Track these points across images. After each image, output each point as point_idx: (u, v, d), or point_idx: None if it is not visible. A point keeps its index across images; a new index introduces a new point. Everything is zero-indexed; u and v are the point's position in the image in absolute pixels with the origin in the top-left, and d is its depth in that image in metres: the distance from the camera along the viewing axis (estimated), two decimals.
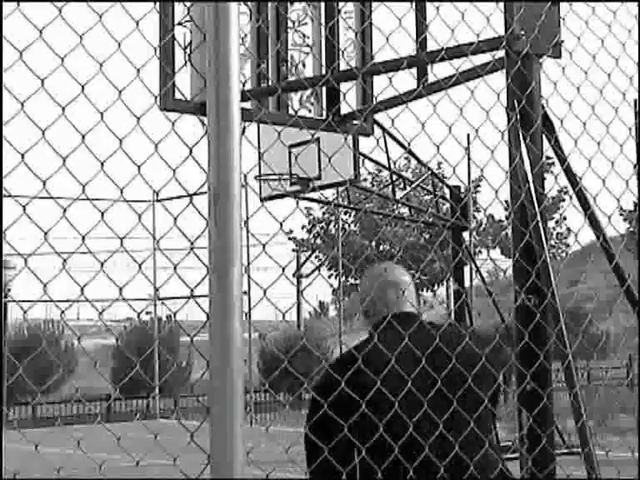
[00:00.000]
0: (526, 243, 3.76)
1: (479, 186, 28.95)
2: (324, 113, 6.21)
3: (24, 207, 1.77)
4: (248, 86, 5.89)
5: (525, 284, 3.80)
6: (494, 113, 3.10)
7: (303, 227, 32.75)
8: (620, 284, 4.11)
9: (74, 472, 3.51)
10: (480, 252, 34.22)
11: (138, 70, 1.91)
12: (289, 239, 31.24)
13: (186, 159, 1.87)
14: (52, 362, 25.28)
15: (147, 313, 25.35)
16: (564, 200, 30.82)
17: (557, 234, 36.29)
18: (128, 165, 1.88)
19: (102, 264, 1.92)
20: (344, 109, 6.13)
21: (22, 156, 1.71)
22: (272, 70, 6.01)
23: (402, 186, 14.91)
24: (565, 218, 34.47)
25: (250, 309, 18.12)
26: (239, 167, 1.67)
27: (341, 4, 6.21)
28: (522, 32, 3.84)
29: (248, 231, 16.39)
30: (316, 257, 32.10)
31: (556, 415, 3.87)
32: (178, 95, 5.48)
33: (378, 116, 7.00)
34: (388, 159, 12.26)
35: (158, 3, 5.46)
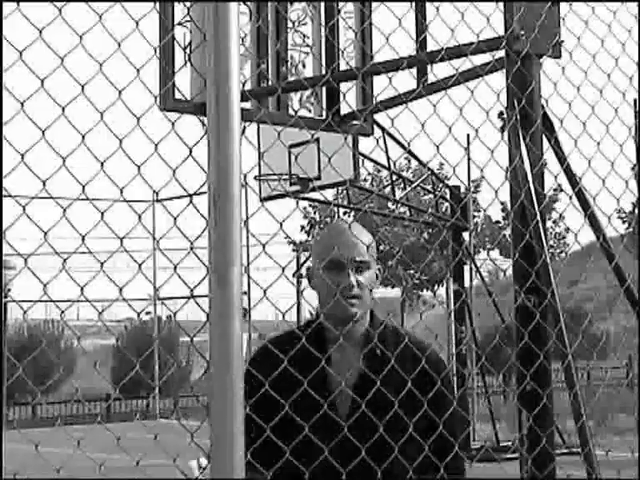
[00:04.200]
0: (526, 243, 3.76)
1: (479, 186, 28.96)
2: (324, 113, 6.21)
3: (24, 207, 1.77)
4: (248, 86, 5.89)
5: (525, 284, 3.80)
6: (494, 113, 3.10)
7: (302, 229, 32.72)
8: (620, 284, 4.11)
9: (74, 472, 3.51)
10: (479, 252, 34.23)
11: (138, 70, 1.91)
12: (288, 243, 31.21)
13: (186, 159, 1.87)
14: (52, 362, 25.29)
15: (147, 313, 25.35)
16: (556, 201, 30.82)
17: (555, 234, 36.29)
18: (128, 165, 1.88)
19: (102, 264, 1.92)
20: (344, 109, 6.13)
21: (22, 156, 1.71)
22: (272, 70, 6.01)
23: (402, 186, 14.91)
24: (562, 217, 34.48)
25: (250, 309, 18.13)
26: (239, 167, 1.67)
27: (341, 4, 6.21)
28: (522, 32, 3.84)
29: (248, 231, 16.40)
30: None
31: (556, 415, 3.87)
32: (178, 95, 5.49)
33: (378, 116, 7.01)
34: (388, 159, 12.26)
35: (158, 3, 5.45)
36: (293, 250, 31.73)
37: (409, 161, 29.74)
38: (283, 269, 2.28)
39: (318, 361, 2.47)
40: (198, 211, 1.88)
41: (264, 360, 2.51)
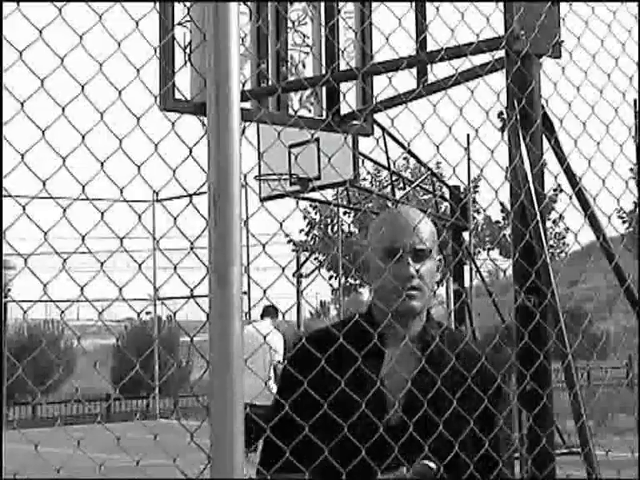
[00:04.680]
0: (526, 243, 3.76)
1: (477, 186, 28.97)
2: (324, 113, 6.21)
3: (24, 207, 1.77)
4: (248, 86, 5.89)
5: (525, 284, 3.80)
6: (494, 113, 3.09)
7: (301, 231, 32.71)
8: (620, 284, 4.11)
9: (74, 472, 3.51)
10: (479, 252, 34.23)
11: (138, 70, 1.91)
12: (288, 242, 31.19)
13: (186, 159, 1.87)
14: (52, 362, 25.31)
15: (147, 313, 25.36)
16: (555, 201, 30.84)
17: (555, 234, 36.29)
18: (128, 165, 1.88)
19: (102, 264, 1.92)
20: (344, 109, 6.13)
21: (22, 156, 1.71)
22: (272, 70, 6.01)
23: (401, 186, 14.92)
24: (562, 217, 34.49)
25: (250, 309, 18.13)
26: (239, 167, 1.67)
27: (341, 4, 6.21)
28: (522, 32, 3.84)
29: (248, 231, 16.41)
30: (315, 258, 32.09)
31: (556, 415, 3.87)
32: (178, 95, 5.49)
33: (378, 116, 7.00)
34: (388, 159, 12.26)
35: (158, 3, 5.45)
36: (293, 250, 31.71)
37: (407, 161, 29.77)
38: (283, 269, 2.27)
39: (371, 357, 2.32)
40: (198, 211, 1.88)
41: (311, 355, 2.31)
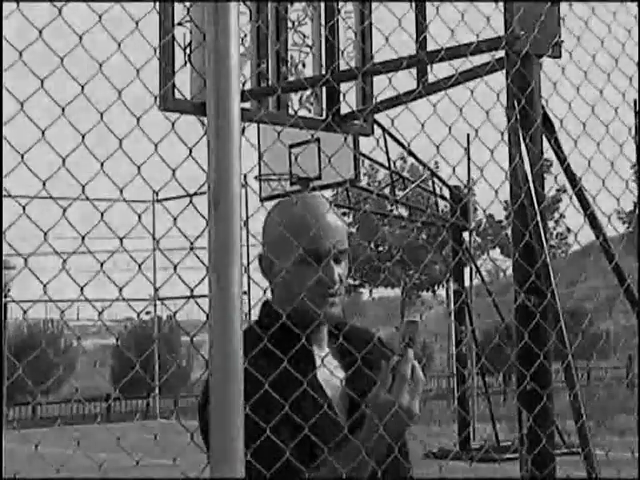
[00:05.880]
0: (526, 243, 3.76)
1: (472, 189, 28.98)
2: (324, 113, 6.21)
3: (24, 207, 1.77)
4: (248, 86, 5.90)
5: (525, 284, 3.80)
6: (494, 113, 3.09)
7: None
8: (620, 284, 4.11)
9: (74, 472, 3.51)
10: (481, 255, 34.22)
11: (138, 70, 1.91)
12: None
13: (186, 159, 1.87)
14: (52, 362, 25.33)
15: (147, 313, 25.36)
16: (560, 200, 30.87)
17: (557, 234, 36.33)
18: (128, 165, 1.88)
19: (102, 264, 1.92)
20: (344, 109, 6.13)
21: (22, 156, 1.71)
22: (272, 70, 6.01)
23: (400, 186, 14.91)
24: (563, 216, 34.53)
25: (250, 309, 18.13)
26: (239, 167, 1.67)
27: (341, 4, 6.21)
28: (522, 32, 3.85)
29: (248, 231, 16.40)
30: None
31: (556, 415, 3.88)
32: (178, 95, 5.49)
33: (378, 116, 7.00)
34: (388, 159, 12.27)
35: (158, 3, 5.45)
36: None
37: (405, 161, 29.79)
38: (283, 269, 2.27)
39: (303, 362, 2.11)
40: (198, 211, 1.88)
41: (264, 361, 2.10)
